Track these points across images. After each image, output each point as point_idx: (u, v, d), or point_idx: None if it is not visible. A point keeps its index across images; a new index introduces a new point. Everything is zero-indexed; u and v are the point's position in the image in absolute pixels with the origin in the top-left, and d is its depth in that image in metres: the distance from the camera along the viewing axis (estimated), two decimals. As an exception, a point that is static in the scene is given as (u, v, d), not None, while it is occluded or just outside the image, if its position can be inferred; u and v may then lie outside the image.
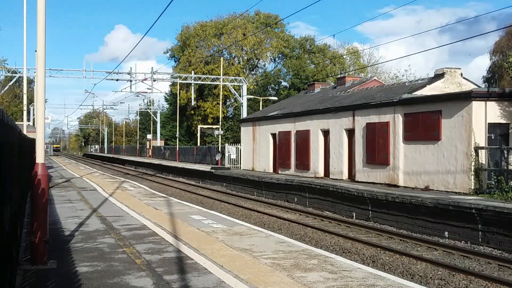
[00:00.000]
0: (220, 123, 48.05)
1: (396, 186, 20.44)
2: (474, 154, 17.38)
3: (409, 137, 20.16)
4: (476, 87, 21.54)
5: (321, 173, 26.27)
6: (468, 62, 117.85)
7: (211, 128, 56.57)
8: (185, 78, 51.76)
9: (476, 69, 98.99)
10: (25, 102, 33.47)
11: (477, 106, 17.66)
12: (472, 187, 17.31)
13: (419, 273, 10.96)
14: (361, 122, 22.95)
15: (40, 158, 8.26)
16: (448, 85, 21.70)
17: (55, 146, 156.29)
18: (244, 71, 63.96)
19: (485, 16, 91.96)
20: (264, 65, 68.12)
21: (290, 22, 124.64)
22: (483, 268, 11.69)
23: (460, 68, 22.43)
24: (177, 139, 55.05)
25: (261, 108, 46.54)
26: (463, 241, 14.51)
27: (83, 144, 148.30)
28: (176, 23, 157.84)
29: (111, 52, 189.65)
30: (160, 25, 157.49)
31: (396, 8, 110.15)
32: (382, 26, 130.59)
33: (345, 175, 24.37)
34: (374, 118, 22.06)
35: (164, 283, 6.97)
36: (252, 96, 51.41)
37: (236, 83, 48.90)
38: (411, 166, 20.03)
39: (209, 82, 52.94)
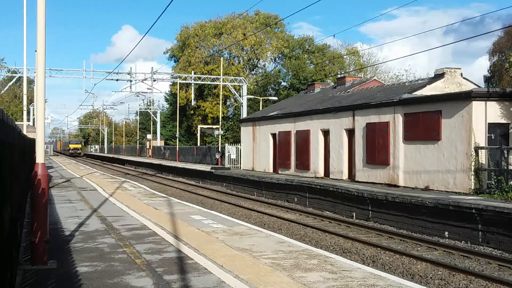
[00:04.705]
0: (220, 123, 48.05)
1: (396, 186, 20.44)
2: (474, 154, 17.38)
3: (409, 137, 20.15)
4: (476, 87, 21.54)
5: (321, 173, 26.27)
6: (471, 62, 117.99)
7: (211, 128, 56.55)
8: (185, 78, 51.75)
9: (479, 69, 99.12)
10: (25, 102, 33.49)
11: (477, 106, 17.66)
12: (472, 187, 17.31)
13: (419, 273, 10.96)
14: (361, 122, 22.94)
15: (40, 158, 8.26)
16: (448, 85, 21.71)
17: (72, 146, 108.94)
18: (244, 71, 63.89)
19: (491, 17, 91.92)
20: (264, 65, 68.14)
21: (293, 22, 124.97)
22: (483, 268, 11.69)
23: (460, 68, 22.45)
24: (177, 139, 55.03)
25: (261, 108, 46.53)
26: (463, 241, 14.51)
27: (83, 144, 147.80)
28: (181, 23, 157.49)
29: (118, 52, 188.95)
30: (167, 26, 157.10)
31: (397, 8, 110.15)
32: (385, 27, 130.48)
33: (345, 175, 24.37)
34: (374, 118, 22.05)
35: (164, 283, 6.97)
36: (252, 96, 51.38)
37: (236, 83, 48.87)
38: (411, 166, 20.02)
39: (209, 82, 52.93)
